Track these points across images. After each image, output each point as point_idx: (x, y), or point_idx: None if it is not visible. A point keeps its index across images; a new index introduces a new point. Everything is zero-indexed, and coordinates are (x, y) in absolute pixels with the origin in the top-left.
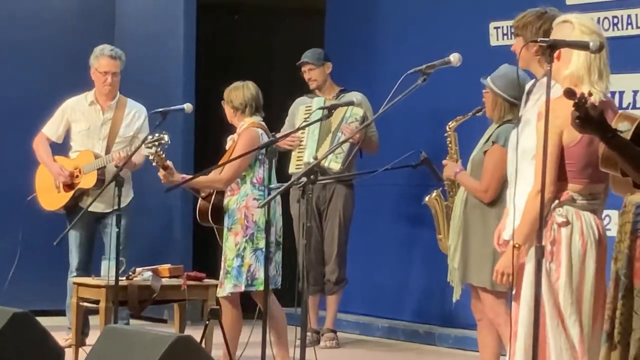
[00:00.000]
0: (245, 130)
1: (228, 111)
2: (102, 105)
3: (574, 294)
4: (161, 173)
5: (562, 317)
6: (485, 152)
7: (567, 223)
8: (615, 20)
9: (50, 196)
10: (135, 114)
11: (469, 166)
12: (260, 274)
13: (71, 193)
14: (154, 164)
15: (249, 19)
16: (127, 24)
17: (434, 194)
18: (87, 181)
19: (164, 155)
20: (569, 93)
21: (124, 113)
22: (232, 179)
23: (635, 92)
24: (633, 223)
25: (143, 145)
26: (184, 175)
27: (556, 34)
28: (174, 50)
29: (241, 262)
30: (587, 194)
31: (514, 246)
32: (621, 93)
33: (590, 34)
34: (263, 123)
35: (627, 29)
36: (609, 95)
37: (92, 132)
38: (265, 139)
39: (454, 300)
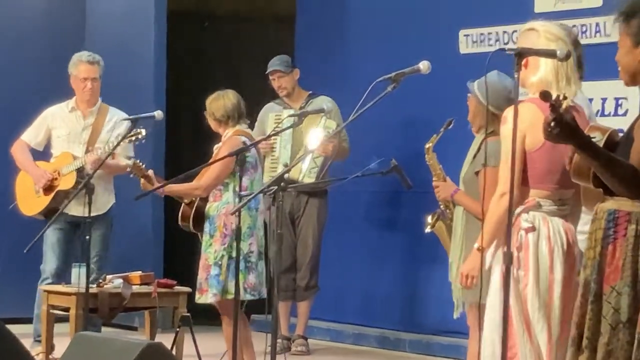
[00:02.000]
0: (229, 139)
1: (211, 122)
2: (83, 112)
3: (541, 300)
4: (142, 182)
5: (528, 325)
6: (477, 172)
7: (533, 229)
8: (584, 29)
9: (30, 201)
10: (116, 121)
11: (462, 185)
12: (242, 281)
13: (51, 196)
14: (131, 175)
15: (219, 27)
16: (97, 30)
17: (433, 220)
18: (66, 182)
19: (143, 166)
20: (545, 95)
21: (105, 119)
22: (212, 186)
23: (604, 99)
24: (604, 230)
25: (120, 148)
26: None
27: (522, 42)
28: (144, 57)
29: (219, 271)
30: (556, 199)
31: (478, 248)
32: (590, 100)
33: (556, 41)
34: (248, 130)
35: (595, 36)
36: (577, 101)
37: (72, 137)
38: (252, 150)
39: (455, 315)
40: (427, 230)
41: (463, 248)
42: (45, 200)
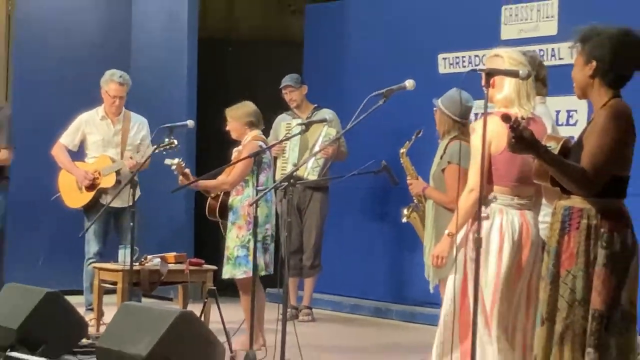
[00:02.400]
0: (248, 144)
1: (233, 127)
2: (112, 119)
3: (489, 277)
4: (180, 178)
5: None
6: (443, 169)
7: (487, 218)
8: (542, 53)
9: (73, 196)
10: (139, 125)
11: (431, 181)
12: (260, 262)
13: (93, 193)
14: (175, 172)
15: (240, 50)
16: (140, 52)
17: (408, 211)
18: (107, 182)
19: (183, 165)
20: (505, 118)
21: (130, 124)
22: (237, 182)
23: (558, 112)
24: (561, 223)
25: (154, 151)
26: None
27: (489, 65)
28: (178, 76)
29: (247, 252)
30: (514, 194)
31: (448, 234)
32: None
33: (517, 65)
34: (262, 136)
35: (550, 60)
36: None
37: (105, 142)
38: (267, 152)
39: (431, 289)
40: (404, 220)
41: (433, 234)
42: (88, 196)
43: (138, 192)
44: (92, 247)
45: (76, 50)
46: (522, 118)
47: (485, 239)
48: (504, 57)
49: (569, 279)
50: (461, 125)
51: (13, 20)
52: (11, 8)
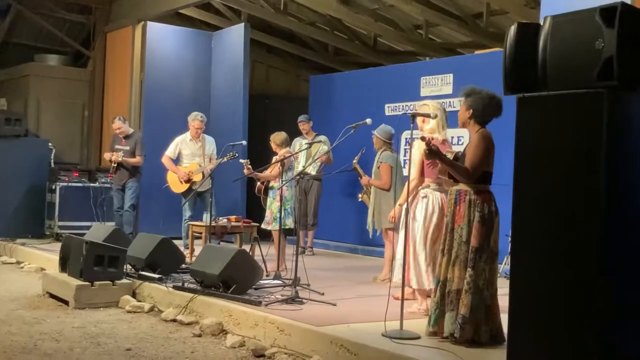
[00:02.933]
0: (281, 154)
1: (273, 146)
2: (194, 140)
3: (425, 232)
4: (245, 170)
5: (415, 246)
6: (378, 167)
7: (425, 197)
8: (444, 104)
9: (177, 186)
10: (210, 143)
11: (373, 175)
12: (286, 221)
13: (189, 184)
14: (244, 167)
15: (273, 101)
16: (216, 101)
17: (361, 194)
18: (197, 178)
19: (250, 165)
20: (422, 138)
21: (205, 143)
22: (276, 176)
23: (452, 137)
24: (455, 198)
25: (224, 159)
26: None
27: (420, 109)
28: (237, 115)
29: (278, 216)
30: (435, 183)
31: (399, 204)
32: (451, 137)
33: (436, 110)
34: (290, 149)
35: (449, 107)
36: (447, 137)
37: (192, 155)
38: (291, 158)
39: (370, 235)
40: (359, 199)
41: (374, 205)
42: (185, 186)
43: (209, 184)
44: (187, 212)
45: (179, 100)
46: (432, 138)
47: (424, 208)
48: (429, 105)
49: (459, 230)
50: (388, 143)
51: (144, 84)
52: (142, 76)
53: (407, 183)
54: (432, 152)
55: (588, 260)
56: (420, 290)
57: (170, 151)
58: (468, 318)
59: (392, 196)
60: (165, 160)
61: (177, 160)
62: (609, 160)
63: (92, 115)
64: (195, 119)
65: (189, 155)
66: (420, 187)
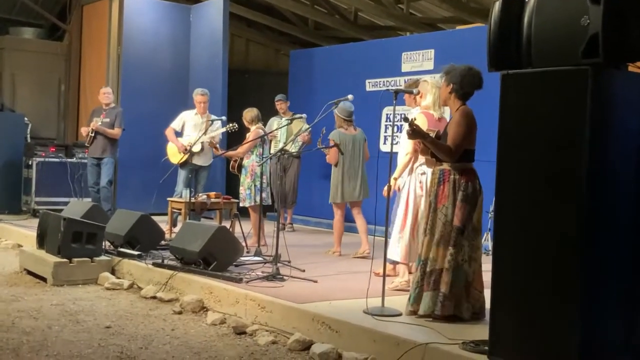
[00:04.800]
0: (254, 131)
1: (245, 122)
2: (201, 115)
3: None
4: (215, 151)
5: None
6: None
7: (424, 173)
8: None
9: (175, 157)
10: (213, 119)
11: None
12: (256, 198)
13: (187, 155)
14: (213, 149)
15: (252, 76)
16: (195, 76)
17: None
18: (196, 149)
19: (217, 145)
20: (405, 119)
21: (210, 118)
22: (244, 154)
23: None
24: (438, 178)
25: (226, 129)
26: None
27: (421, 86)
28: (217, 90)
29: (250, 192)
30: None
31: (394, 178)
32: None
33: (434, 87)
34: (262, 126)
35: None
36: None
37: (196, 127)
38: (260, 134)
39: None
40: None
41: (331, 181)
42: (184, 157)
43: (211, 159)
44: (179, 187)
45: (158, 74)
46: (414, 119)
47: (425, 183)
48: (428, 82)
49: (443, 209)
50: (347, 121)
51: (121, 58)
52: (120, 50)
53: (402, 156)
54: (415, 132)
55: (571, 238)
56: (403, 265)
57: (175, 123)
58: (447, 295)
59: (343, 171)
60: (168, 131)
61: (181, 134)
62: (593, 137)
63: (69, 90)
64: (197, 94)
65: (193, 128)
66: (418, 164)
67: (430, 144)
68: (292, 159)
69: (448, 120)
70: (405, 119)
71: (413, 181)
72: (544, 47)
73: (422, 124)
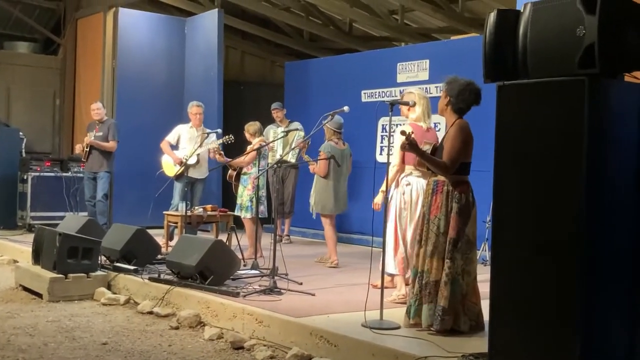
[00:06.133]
0: (255, 143)
1: (247, 135)
2: (196, 128)
3: (411, 217)
4: (217, 157)
5: (404, 233)
6: (319, 155)
7: (408, 184)
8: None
9: (170, 170)
10: (208, 132)
11: (317, 164)
12: (259, 209)
13: (182, 168)
14: (217, 156)
15: (248, 88)
16: (190, 87)
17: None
18: (192, 161)
19: (222, 152)
20: (402, 132)
21: (205, 132)
22: (249, 163)
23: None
24: (432, 188)
25: (222, 141)
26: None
27: (406, 97)
28: (212, 102)
29: (250, 204)
30: (418, 170)
31: (381, 190)
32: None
33: (422, 98)
34: (264, 139)
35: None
36: (432, 125)
37: (191, 140)
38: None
39: (314, 216)
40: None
41: (314, 192)
42: (180, 170)
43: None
44: (175, 200)
45: (153, 87)
46: (412, 132)
47: (409, 195)
48: (414, 93)
49: (436, 220)
50: (337, 133)
51: (116, 71)
52: (115, 63)
53: (389, 169)
54: (411, 145)
55: (570, 249)
56: (400, 277)
57: (170, 136)
58: (447, 309)
59: (333, 185)
60: (163, 144)
61: (176, 147)
62: (590, 148)
63: (64, 104)
64: (192, 106)
65: (188, 141)
66: (403, 175)
67: (426, 160)
68: (290, 170)
69: (435, 130)
70: (402, 133)
71: (398, 193)
72: (540, 58)
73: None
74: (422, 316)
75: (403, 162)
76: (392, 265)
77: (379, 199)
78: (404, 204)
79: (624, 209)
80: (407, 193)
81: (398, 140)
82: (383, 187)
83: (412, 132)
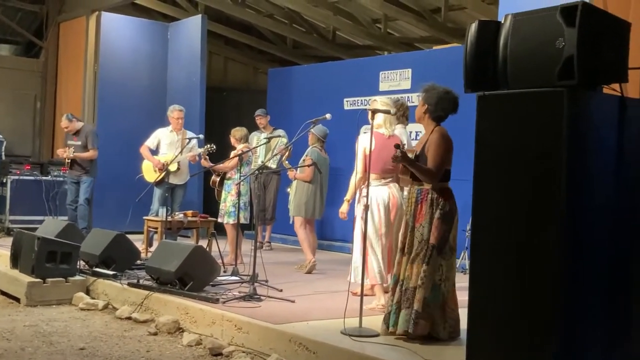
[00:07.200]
0: (240, 149)
1: (233, 140)
2: (176, 132)
3: (375, 229)
4: (202, 161)
5: (371, 243)
6: (304, 160)
7: (367, 194)
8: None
9: (150, 175)
10: (189, 136)
11: (299, 171)
12: (241, 215)
13: (163, 174)
14: (202, 160)
15: (231, 94)
16: (172, 94)
17: (289, 187)
18: (172, 167)
19: (207, 156)
20: (396, 145)
21: (185, 135)
22: (232, 169)
23: (410, 132)
24: (416, 197)
25: (203, 150)
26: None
27: (372, 107)
28: (195, 108)
29: (234, 209)
30: (381, 177)
31: (346, 200)
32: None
33: (386, 106)
34: (249, 146)
35: (407, 102)
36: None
37: (171, 145)
38: (249, 153)
39: (290, 222)
40: (287, 192)
41: (294, 197)
42: (160, 175)
43: (188, 177)
44: (155, 205)
45: (135, 92)
46: (403, 145)
47: (370, 204)
48: (377, 101)
49: (420, 228)
50: (321, 141)
51: (98, 76)
52: (97, 67)
53: (351, 177)
54: (404, 155)
55: (548, 258)
56: (378, 286)
57: (149, 141)
58: (421, 313)
59: (315, 189)
60: (143, 149)
61: (156, 152)
62: (569, 158)
63: (45, 107)
64: (173, 110)
65: (168, 146)
66: (363, 185)
67: (415, 168)
68: (272, 176)
69: (400, 137)
70: (396, 146)
71: (361, 204)
72: (520, 69)
73: (368, 141)
74: (399, 322)
75: (366, 170)
76: (377, 275)
77: (344, 208)
78: (364, 212)
79: (602, 217)
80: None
81: (360, 146)
82: (348, 196)
83: (403, 145)
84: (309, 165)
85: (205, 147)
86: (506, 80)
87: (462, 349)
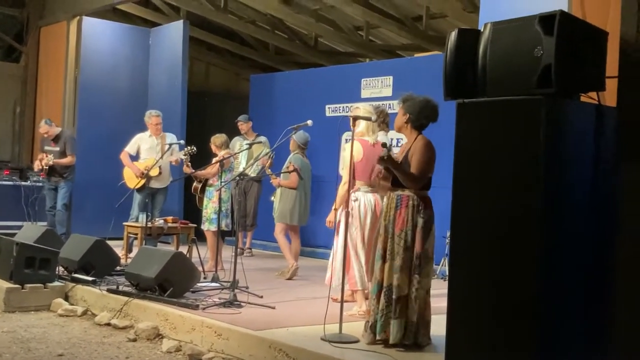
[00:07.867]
0: (220, 155)
1: (213, 147)
2: (155, 137)
3: (360, 235)
4: (184, 167)
5: (356, 249)
6: (287, 166)
7: (356, 200)
8: (383, 106)
9: (132, 181)
10: (170, 139)
11: (282, 177)
12: (221, 223)
13: (144, 180)
14: (184, 167)
15: (212, 100)
16: (154, 98)
17: (273, 195)
18: (154, 173)
19: (189, 162)
20: (383, 145)
21: (165, 140)
22: (213, 175)
23: (391, 139)
24: (395, 203)
25: (183, 153)
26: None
27: (352, 112)
28: (176, 113)
29: (215, 216)
30: (367, 185)
31: (334, 208)
32: (391, 139)
33: (367, 113)
34: (230, 151)
35: (388, 109)
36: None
37: (151, 150)
38: (230, 159)
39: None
40: (271, 200)
41: (279, 203)
42: (141, 182)
43: (170, 181)
44: (134, 212)
45: (116, 97)
46: (390, 146)
47: (357, 210)
48: (360, 108)
49: (402, 234)
50: (302, 148)
51: (78, 81)
52: (77, 72)
53: (340, 186)
54: (390, 158)
55: (527, 265)
56: (360, 292)
57: (129, 147)
58: (415, 323)
59: (300, 196)
60: (122, 155)
61: (136, 157)
62: (547, 165)
63: (24, 112)
64: (150, 116)
65: (148, 151)
66: (352, 190)
67: (399, 172)
68: (252, 183)
69: (392, 145)
70: (384, 145)
71: (347, 210)
72: (499, 77)
73: (357, 151)
74: (391, 332)
75: (354, 177)
76: (358, 280)
77: (331, 217)
78: (352, 218)
79: (580, 223)
80: (355, 208)
81: (347, 154)
82: (336, 205)
83: (390, 146)
84: (291, 172)
85: (186, 148)
86: (485, 88)
87: (441, 356)
